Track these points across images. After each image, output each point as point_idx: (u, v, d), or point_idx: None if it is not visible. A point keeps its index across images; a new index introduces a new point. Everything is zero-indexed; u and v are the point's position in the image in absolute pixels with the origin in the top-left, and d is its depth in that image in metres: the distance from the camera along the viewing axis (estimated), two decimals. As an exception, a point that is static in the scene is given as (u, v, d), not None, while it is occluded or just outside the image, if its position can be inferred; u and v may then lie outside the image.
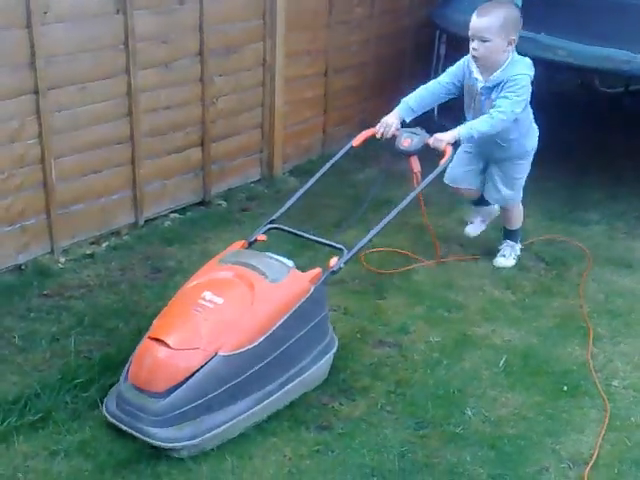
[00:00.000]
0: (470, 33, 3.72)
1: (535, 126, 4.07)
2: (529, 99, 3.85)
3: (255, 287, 3.00)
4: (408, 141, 3.62)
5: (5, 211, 3.96)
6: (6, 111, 3.84)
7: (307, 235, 3.45)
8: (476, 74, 3.83)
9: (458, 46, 4.38)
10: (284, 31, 5.09)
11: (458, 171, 4.22)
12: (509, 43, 3.71)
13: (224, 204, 4.99)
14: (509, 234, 4.38)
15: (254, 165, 5.32)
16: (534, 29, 4.71)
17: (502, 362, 3.50)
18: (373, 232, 3.32)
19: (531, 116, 4.01)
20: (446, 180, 4.25)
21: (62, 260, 4.22)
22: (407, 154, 3.64)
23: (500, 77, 3.75)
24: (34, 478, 2.75)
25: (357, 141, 3.79)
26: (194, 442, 2.83)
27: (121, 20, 4.18)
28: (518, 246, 4.38)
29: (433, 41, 6.11)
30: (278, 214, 3.51)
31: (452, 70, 3.96)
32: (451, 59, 4.21)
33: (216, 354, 2.86)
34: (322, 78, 5.66)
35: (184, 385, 2.82)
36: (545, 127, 4.13)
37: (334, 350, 3.29)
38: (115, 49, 4.23)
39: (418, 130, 3.66)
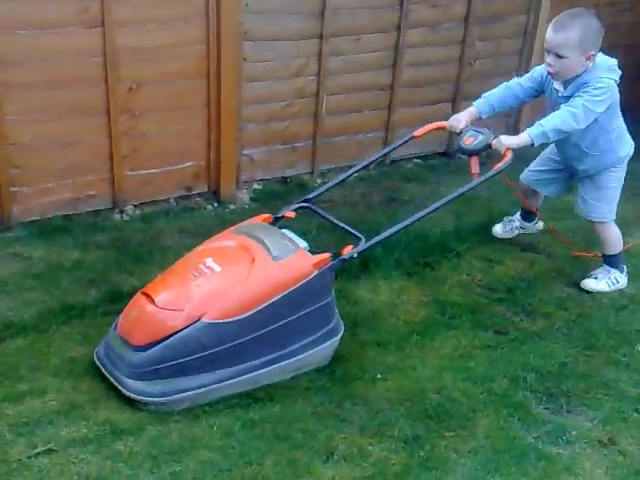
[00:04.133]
0: (545, 47, 3.50)
1: (627, 134, 3.80)
2: (617, 104, 3.61)
3: (256, 261, 3.01)
4: (470, 140, 3.48)
5: (282, 132, 4.90)
6: (296, 50, 4.77)
7: (332, 219, 3.44)
8: (555, 85, 3.62)
9: None
10: (548, 6, 5.49)
11: (534, 174, 4.09)
12: (587, 59, 3.43)
13: (464, 157, 5.53)
14: (606, 259, 3.98)
15: (499, 125, 5.65)
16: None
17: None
18: (400, 226, 3.26)
19: (621, 123, 3.74)
20: (521, 178, 4.15)
21: (318, 180, 5.09)
22: (467, 153, 3.50)
23: (578, 82, 3.49)
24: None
25: (420, 132, 3.72)
26: (161, 400, 2.89)
27: (401, -17, 4.95)
28: (616, 273, 3.94)
29: None
30: (314, 194, 3.59)
31: (534, 76, 3.76)
32: None
33: (199, 319, 2.88)
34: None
35: (162, 343, 2.87)
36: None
37: (338, 337, 3.23)
38: (391, 8, 4.99)
39: (485, 130, 3.51)
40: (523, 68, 5.54)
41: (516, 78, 3.83)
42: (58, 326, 3.35)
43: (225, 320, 2.90)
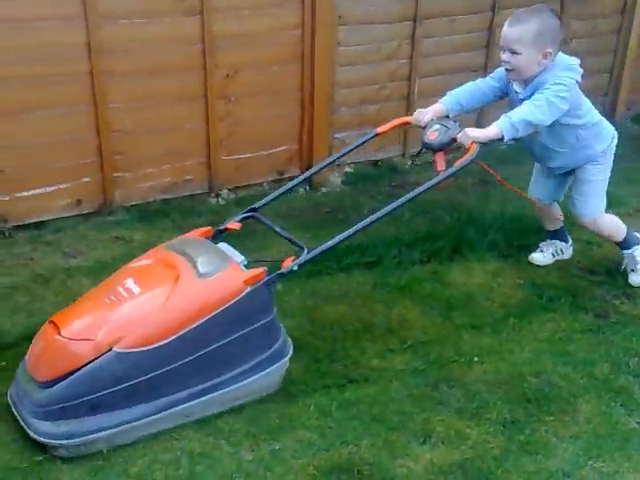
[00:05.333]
0: (501, 43, 3.30)
1: (606, 127, 3.59)
2: (580, 103, 3.40)
3: (179, 280, 2.68)
4: (435, 134, 3.13)
5: (374, 115, 4.90)
6: (390, 33, 4.76)
7: (277, 229, 3.11)
8: (515, 86, 3.42)
9: None
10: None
11: (533, 184, 3.88)
12: (544, 56, 3.23)
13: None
14: (621, 245, 3.80)
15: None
16: None
17: None
18: (347, 234, 2.92)
19: (593, 118, 3.50)
20: (529, 194, 3.88)
21: (409, 162, 5.07)
22: (431, 148, 3.15)
23: (536, 83, 3.28)
24: (363, 295, 3.60)
25: (384, 128, 3.43)
26: (69, 442, 2.55)
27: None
28: (636, 250, 3.77)
29: None
30: (261, 203, 3.25)
31: (498, 75, 3.52)
32: None
33: (111, 349, 2.55)
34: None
35: (69, 378, 2.54)
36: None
37: (284, 360, 2.92)
38: (486, -12, 4.91)
39: (451, 123, 3.17)
40: (621, 47, 5.37)
41: (482, 78, 3.60)
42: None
43: (141, 348, 2.56)
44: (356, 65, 4.72)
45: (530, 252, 3.98)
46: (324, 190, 4.74)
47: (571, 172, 3.68)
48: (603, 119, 3.59)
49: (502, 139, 3.14)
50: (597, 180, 3.61)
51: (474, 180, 4.83)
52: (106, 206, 4.25)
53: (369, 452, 2.66)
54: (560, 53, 3.31)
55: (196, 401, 2.71)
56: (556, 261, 3.96)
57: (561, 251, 3.99)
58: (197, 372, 2.69)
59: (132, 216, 4.26)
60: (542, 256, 3.96)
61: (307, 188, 4.74)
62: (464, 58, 5.03)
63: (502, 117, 3.16)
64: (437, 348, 3.23)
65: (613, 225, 3.74)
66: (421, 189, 3.00)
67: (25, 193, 4.04)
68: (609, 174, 3.64)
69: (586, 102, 3.47)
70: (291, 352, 2.95)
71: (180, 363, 2.64)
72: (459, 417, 2.84)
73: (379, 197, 4.63)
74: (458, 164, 3.04)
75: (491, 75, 3.56)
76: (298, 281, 3.66)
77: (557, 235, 3.99)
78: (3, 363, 2.99)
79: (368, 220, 2.92)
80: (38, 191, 4.07)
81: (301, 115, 4.62)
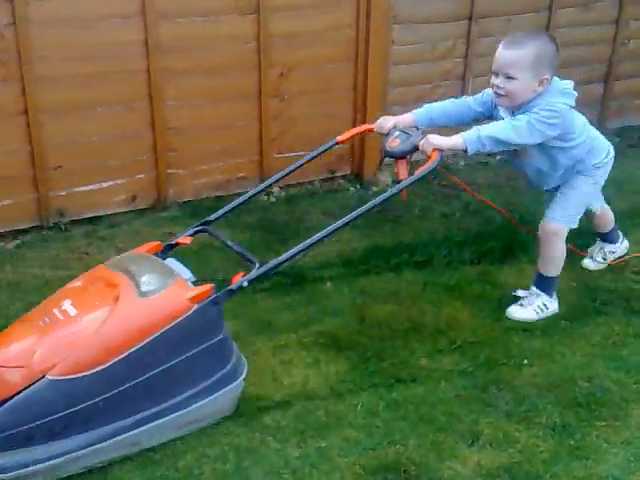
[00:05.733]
0: (494, 67, 3.10)
1: (602, 143, 3.38)
2: (573, 128, 3.18)
3: (119, 300, 2.52)
4: (396, 142, 3.01)
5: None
6: (444, 32, 4.73)
7: (229, 243, 2.98)
8: (502, 113, 3.22)
9: None
10: None
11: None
12: (540, 83, 3.05)
13: (616, 140, 5.29)
14: (539, 281, 3.47)
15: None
16: None
17: None
18: (300, 247, 2.81)
19: (588, 137, 3.29)
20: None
21: (462, 163, 5.05)
22: (392, 156, 3.02)
23: (527, 108, 3.08)
24: (413, 295, 3.59)
25: (344, 137, 3.29)
26: (5, 477, 2.39)
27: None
28: (544, 299, 3.45)
29: None
30: (213, 217, 3.13)
31: (483, 99, 3.34)
32: None
33: (43, 376, 2.37)
34: None
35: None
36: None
37: (237, 382, 2.75)
38: (543, -13, 4.85)
39: (413, 131, 3.06)
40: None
41: (466, 97, 3.43)
42: (211, 302, 3.51)
43: (77, 375, 2.39)
44: (410, 64, 4.71)
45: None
46: (375, 189, 4.73)
47: None
48: (599, 135, 3.40)
49: (466, 150, 2.98)
50: (581, 191, 3.37)
51: (526, 182, 4.75)
52: (160, 202, 4.32)
53: (416, 452, 2.65)
54: (554, 78, 3.12)
55: (143, 428, 2.53)
56: (610, 264, 3.86)
57: (611, 253, 3.85)
58: (141, 398, 2.50)
59: (185, 212, 4.32)
60: (593, 262, 3.84)
61: (357, 187, 4.74)
62: (520, 57, 4.96)
63: (473, 129, 3.01)
64: (486, 350, 3.20)
65: (561, 257, 3.43)
66: (381, 198, 2.87)
67: (82, 188, 4.14)
68: (597, 190, 3.45)
69: (580, 122, 3.27)
70: (245, 373, 2.77)
71: (121, 389, 2.46)
72: (508, 420, 2.81)
73: (430, 197, 4.62)
74: (419, 172, 2.89)
75: (475, 96, 3.37)
76: (347, 280, 3.69)
77: (607, 237, 3.85)
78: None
79: (324, 232, 2.80)
80: (94, 187, 4.17)
81: (353, 114, 4.62)
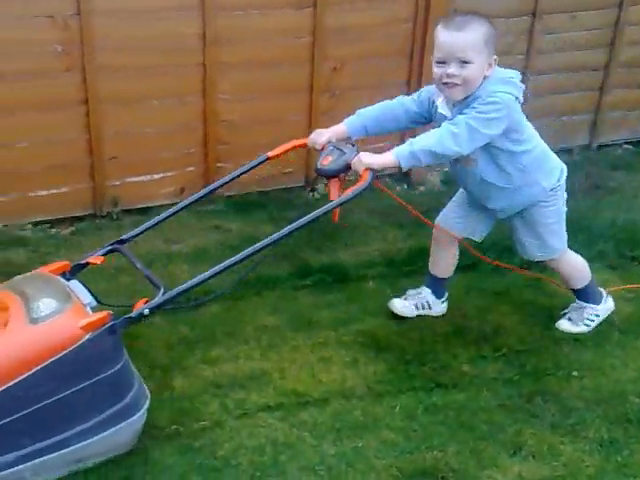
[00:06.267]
0: (440, 55, 2.75)
1: (552, 157, 3.04)
2: (522, 124, 2.87)
3: (7, 326, 2.36)
4: (328, 159, 2.80)
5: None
6: (506, 28, 4.61)
7: (138, 265, 2.79)
8: (441, 108, 2.90)
9: None
10: None
11: (448, 213, 3.28)
12: (489, 66, 2.76)
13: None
14: (576, 293, 3.33)
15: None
16: None
17: None
18: (211, 272, 2.61)
19: (539, 145, 2.97)
20: (437, 220, 3.29)
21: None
22: (323, 175, 2.82)
23: (467, 102, 2.77)
24: (456, 299, 3.47)
25: (275, 152, 3.05)
26: None
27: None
28: (590, 309, 3.30)
29: None
30: (128, 236, 2.96)
31: (420, 99, 3.04)
32: None
33: None
34: None
35: None
36: None
37: (136, 417, 2.52)
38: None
39: (348, 147, 2.82)
40: None
41: (402, 97, 3.10)
42: (251, 296, 3.49)
43: None
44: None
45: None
46: (422, 189, 4.65)
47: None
48: (549, 151, 3.04)
49: (399, 166, 2.74)
50: (553, 222, 3.10)
51: (583, 185, 4.60)
52: (207, 196, 4.31)
53: (455, 459, 2.57)
54: (495, 66, 2.82)
55: (27, 464, 2.34)
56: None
57: (428, 305, 3.40)
58: (25, 432, 2.32)
59: (230, 206, 4.32)
60: (403, 304, 3.38)
61: (405, 187, 4.66)
62: (584, 55, 4.82)
63: (406, 143, 2.75)
64: (533, 359, 3.09)
65: (579, 268, 3.25)
66: (308, 218, 2.65)
67: (135, 179, 4.18)
68: (564, 210, 3.13)
69: (529, 126, 2.95)
70: (147, 405, 2.57)
71: (3, 422, 2.28)
72: (553, 432, 2.71)
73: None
74: (347, 193, 2.68)
75: (413, 96, 3.06)
76: (389, 280, 3.63)
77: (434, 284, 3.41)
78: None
79: (239, 256, 2.61)
80: (146, 178, 4.20)
81: (406, 111, 4.54)
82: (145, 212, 4.18)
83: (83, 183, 4.07)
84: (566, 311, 3.36)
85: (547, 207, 3.05)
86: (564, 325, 3.32)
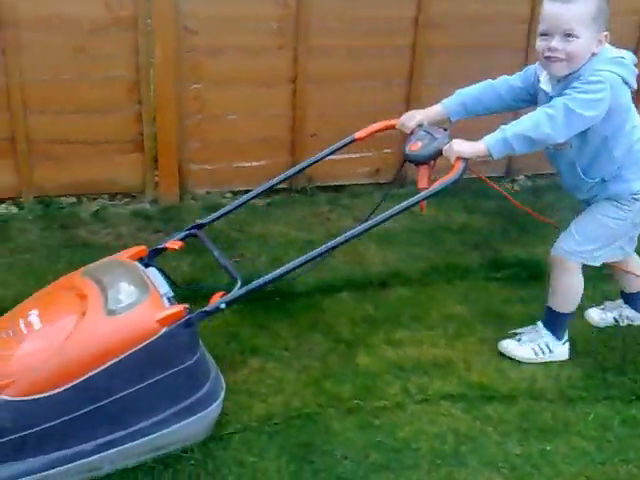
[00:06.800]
0: (545, 27, 2.51)
1: None
2: (626, 109, 2.57)
3: (85, 317, 2.32)
4: (418, 145, 2.56)
5: None
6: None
7: (215, 253, 2.65)
8: (543, 83, 2.65)
9: None
10: None
11: None
12: (599, 43, 2.50)
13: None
14: (546, 317, 2.93)
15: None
16: None
17: None
18: (293, 264, 2.44)
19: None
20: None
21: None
22: (411, 161, 2.58)
23: (570, 79, 2.52)
24: None
25: (363, 133, 2.85)
26: None
27: None
28: (548, 340, 2.93)
29: None
30: (207, 220, 2.83)
31: (526, 74, 2.79)
32: None
33: None
34: None
35: None
36: None
37: (211, 408, 2.49)
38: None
39: (440, 132, 2.58)
40: None
41: (506, 76, 2.87)
42: (440, 283, 3.45)
43: (32, 397, 2.21)
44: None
45: None
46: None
47: None
48: None
49: (491, 155, 2.52)
50: (606, 223, 2.77)
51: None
52: (400, 178, 4.31)
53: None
54: (607, 44, 2.58)
55: (105, 454, 2.35)
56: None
57: (628, 319, 3.16)
58: (103, 422, 2.32)
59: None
60: (600, 314, 3.19)
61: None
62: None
63: (498, 130, 2.54)
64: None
65: (572, 290, 2.87)
66: (396, 209, 2.52)
67: (331, 157, 4.20)
68: (629, 230, 2.80)
69: (636, 117, 2.68)
70: (222, 396, 2.53)
71: (81, 412, 2.28)
72: None
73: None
74: (439, 184, 2.48)
75: (519, 73, 2.84)
76: (592, 281, 3.35)
77: (631, 301, 3.16)
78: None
79: (322, 248, 2.46)
80: (342, 156, 4.24)
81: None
82: (340, 190, 4.25)
83: (283, 157, 4.20)
84: (519, 331, 3.03)
85: (617, 207, 2.76)
86: (507, 345, 2.98)
